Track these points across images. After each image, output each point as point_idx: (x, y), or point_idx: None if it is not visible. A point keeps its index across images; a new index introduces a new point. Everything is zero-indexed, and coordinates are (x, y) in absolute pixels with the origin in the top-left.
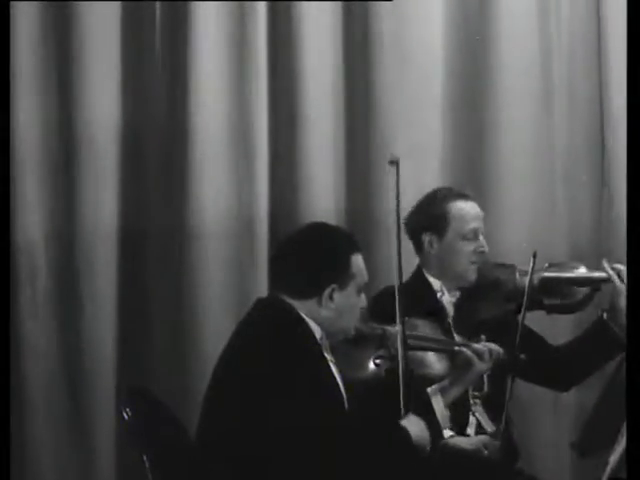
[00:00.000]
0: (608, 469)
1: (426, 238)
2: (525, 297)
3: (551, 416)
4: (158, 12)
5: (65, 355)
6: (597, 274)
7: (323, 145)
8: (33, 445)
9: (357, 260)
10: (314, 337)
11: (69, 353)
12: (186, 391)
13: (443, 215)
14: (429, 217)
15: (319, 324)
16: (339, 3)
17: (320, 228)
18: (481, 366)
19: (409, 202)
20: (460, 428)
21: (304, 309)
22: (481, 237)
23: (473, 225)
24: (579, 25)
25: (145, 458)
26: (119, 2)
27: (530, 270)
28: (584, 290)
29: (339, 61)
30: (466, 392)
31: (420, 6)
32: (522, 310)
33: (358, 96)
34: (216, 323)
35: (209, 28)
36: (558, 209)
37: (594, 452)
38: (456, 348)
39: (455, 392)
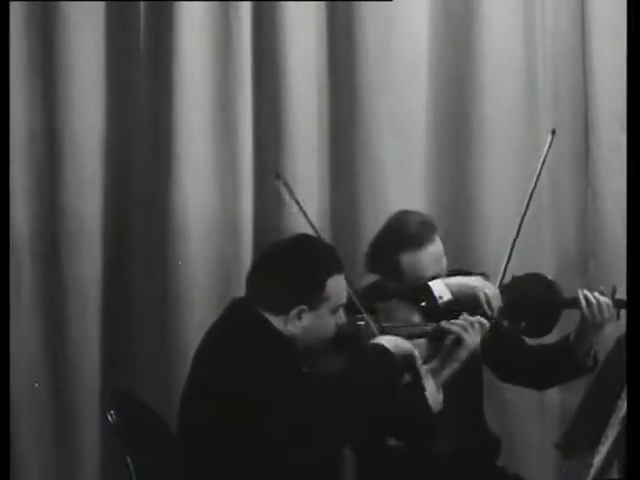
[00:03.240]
0: (592, 470)
1: (386, 280)
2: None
3: (536, 416)
4: (142, 12)
5: (49, 357)
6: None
7: (308, 145)
8: (17, 446)
9: (335, 282)
10: (284, 341)
11: (53, 355)
12: (170, 393)
13: (395, 267)
14: (383, 266)
15: (287, 338)
16: (323, 4)
17: (302, 244)
18: (471, 339)
19: (401, 201)
20: None
21: (274, 321)
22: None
23: (430, 273)
24: (564, 24)
25: (129, 460)
26: (103, 2)
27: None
28: (551, 310)
29: (323, 62)
30: None
31: (405, 7)
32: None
33: (343, 96)
34: (201, 325)
35: (194, 28)
36: (543, 213)
37: (578, 453)
38: (437, 328)
39: (447, 373)
